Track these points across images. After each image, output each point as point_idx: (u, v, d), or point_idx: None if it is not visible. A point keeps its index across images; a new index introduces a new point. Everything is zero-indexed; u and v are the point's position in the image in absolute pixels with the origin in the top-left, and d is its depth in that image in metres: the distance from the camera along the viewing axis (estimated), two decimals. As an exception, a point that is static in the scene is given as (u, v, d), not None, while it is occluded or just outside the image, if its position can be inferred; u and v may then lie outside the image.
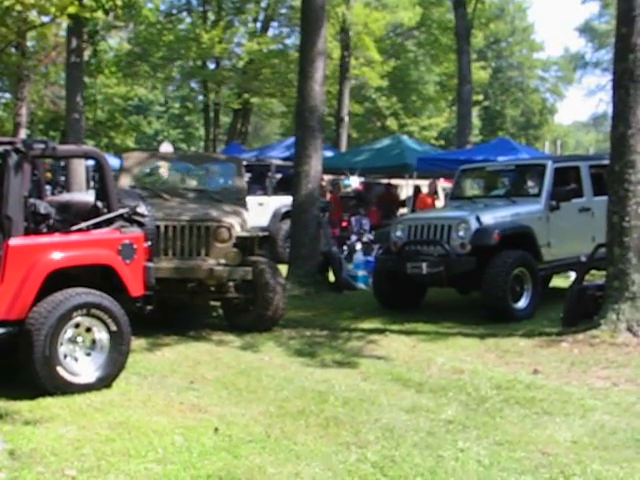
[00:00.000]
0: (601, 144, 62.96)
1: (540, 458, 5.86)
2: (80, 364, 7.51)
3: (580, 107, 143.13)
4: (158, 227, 9.79)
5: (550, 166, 12.89)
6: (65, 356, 7.38)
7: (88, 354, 7.57)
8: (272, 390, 7.82)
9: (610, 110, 10.84)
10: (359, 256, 15.77)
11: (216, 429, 6.47)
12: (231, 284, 10.52)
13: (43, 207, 8.12)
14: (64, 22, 17.24)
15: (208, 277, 10.28)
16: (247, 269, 10.37)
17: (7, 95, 29.37)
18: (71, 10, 5.29)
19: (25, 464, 5.59)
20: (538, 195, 12.68)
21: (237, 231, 10.54)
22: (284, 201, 17.12)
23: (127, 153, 12.12)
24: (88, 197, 9.11)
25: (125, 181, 11.45)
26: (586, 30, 64.69)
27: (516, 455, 5.92)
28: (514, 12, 56.35)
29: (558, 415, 6.97)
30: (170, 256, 10.20)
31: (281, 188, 18.47)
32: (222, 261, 10.31)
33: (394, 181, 22.64)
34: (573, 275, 12.67)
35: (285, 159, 21.20)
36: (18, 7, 4.85)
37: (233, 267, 10.27)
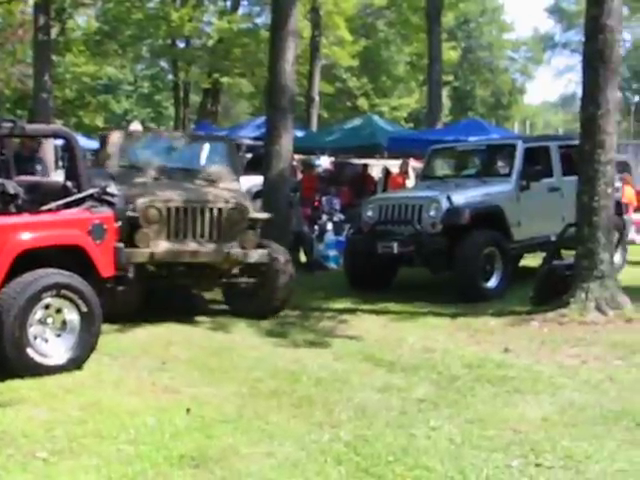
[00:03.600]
0: (570, 124, 63.28)
1: (511, 436, 5.90)
2: (50, 345, 7.45)
3: (549, 87, 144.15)
4: (169, 209, 9.60)
5: (520, 146, 12.96)
6: (35, 337, 7.31)
7: (58, 335, 7.50)
8: (244, 370, 7.81)
9: (579, 91, 10.91)
10: (330, 236, 15.78)
11: (188, 410, 6.45)
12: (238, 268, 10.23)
13: (11, 187, 8.04)
14: (31, -1, 17.06)
15: (224, 261, 9.95)
16: (263, 252, 10.08)
17: (-27, 74, 29.06)
18: (39, -15, 5.22)
19: (-4, 446, 5.58)
20: (508, 175, 12.76)
21: (251, 213, 10.23)
22: (255, 181, 17.00)
23: (112, 132, 11.59)
24: (57, 177, 9.07)
25: (113, 162, 10.86)
26: (555, 11, 65.05)
27: (487, 433, 5.95)
28: (484, -8, 56.45)
29: (528, 393, 7.01)
30: (182, 239, 9.75)
31: (251, 168, 18.35)
32: (235, 244, 9.98)
33: (364, 161, 22.64)
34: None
35: (255, 139, 21.18)
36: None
37: (249, 250, 9.99)
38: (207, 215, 9.84)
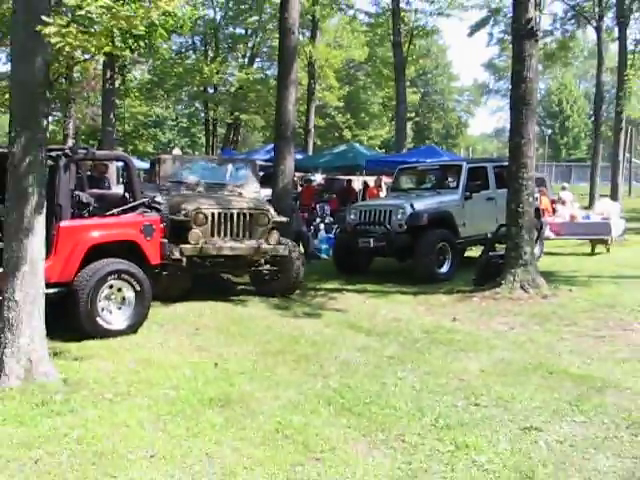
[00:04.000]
0: (501, 150, 63.19)
1: (457, 383, 5.93)
2: (113, 315, 7.53)
3: (486, 123, 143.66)
4: (212, 214, 9.50)
5: (465, 166, 12.96)
6: (102, 309, 7.39)
7: (119, 308, 7.58)
8: (257, 335, 7.83)
9: (508, 125, 10.90)
10: (322, 234, 15.76)
11: (216, 364, 6.48)
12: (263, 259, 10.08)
13: (85, 197, 8.12)
14: (101, 58, 17.06)
15: (255, 254, 9.80)
16: (284, 246, 10.00)
17: (58, 114, 29.12)
18: (106, 49, 5.24)
19: (75, 389, 5.62)
20: (456, 188, 12.74)
21: (274, 216, 10.08)
22: (265, 192, 16.94)
23: (162, 157, 11.35)
24: (119, 190, 9.07)
25: (165, 179, 10.78)
26: (490, 66, 64.85)
27: (440, 381, 5.99)
28: (437, 52, 56.31)
29: (470, 351, 7.04)
30: (223, 237, 9.62)
31: (263, 183, 18.27)
32: (262, 241, 9.83)
33: (349, 177, 22.60)
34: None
35: (266, 160, 21.06)
36: (67, 49, 4.81)
37: (274, 245, 9.89)
38: (241, 218, 9.74)
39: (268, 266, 10.17)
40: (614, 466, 4.27)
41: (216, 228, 9.58)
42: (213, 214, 9.56)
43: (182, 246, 9.15)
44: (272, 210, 10.20)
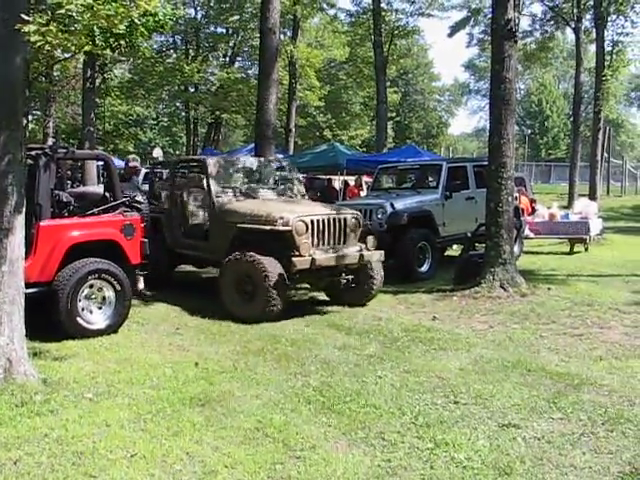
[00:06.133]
0: (481, 150, 63.62)
1: (437, 381, 5.97)
2: (94, 315, 7.51)
3: (466, 122, 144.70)
4: (312, 222, 8.64)
5: (445, 166, 13.03)
6: (82, 309, 7.38)
7: (100, 307, 7.57)
8: (238, 334, 7.83)
9: (488, 125, 10.98)
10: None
11: (196, 363, 6.48)
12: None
13: (65, 197, 8.10)
14: (81, 57, 16.95)
15: (359, 262, 8.95)
16: (381, 252, 9.26)
17: (38, 112, 28.98)
18: (87, 48, 5.23)
19: (55, 389, 5.60)
20: (436, 187, 12.81)
21: (362, 221, 9.41)
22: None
23: (207, 159, 10.18)
24: (99, 189, 9.00)
25: (216, 187, 9.71)
26: (470, 66, 65.34)
27: (419, 379, 6.02)
28: (418, 51, 56.43)
29: (450, 350, 7.09)
30: (323, 246, 8.77)
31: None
32: (357, 247, 9.05)
33: (329, 176, 22.62)
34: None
35: (247, 160, 21.00)
36: (47, 47, 4.80)
37: (373, 251, 9.15)
38: (337, 224, 8.98)
39: (346, 274, 9.16)
40: (590, 461, 4.33)
41: (316, 237, 8.73)
42: (312, 222, 8.72)
43: (295, 259, 8.29)
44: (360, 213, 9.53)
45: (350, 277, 9.17)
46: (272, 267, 8.25)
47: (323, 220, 8.85)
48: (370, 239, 9.24)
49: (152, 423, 4.91)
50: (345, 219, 9.08)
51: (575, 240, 15.33)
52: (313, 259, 8.40)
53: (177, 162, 11.72)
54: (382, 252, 9.34)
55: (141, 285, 9.03)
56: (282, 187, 10.59)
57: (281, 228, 8.49)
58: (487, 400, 5.45)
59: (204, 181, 9.96)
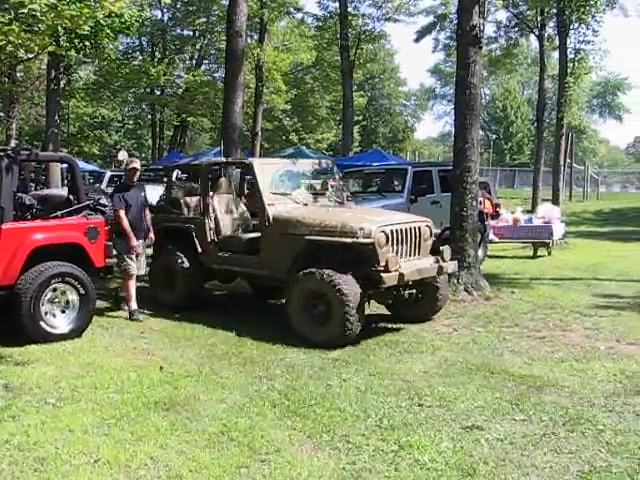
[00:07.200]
0: (447, 154, 64.06)
1: (401, 384, 6.02)
2: (57, 319, 7.43)
3: (432, 127, 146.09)
4: (391, 232, 7.79)
5: (410, 170, 13.08)
6: (46, 313, 7.29)
7: (63, 311, 7.49)
8: (203, 338, 7.81)
9: (453, 130, 11.07)
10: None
11: (161, 367, 6.45)
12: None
13: (28, 199, 8.02)
14: (45, 58, 16.74)
15: (438, 274, 8.25)
16: (456, 263, 8.66)
17: (1, 114, 28.53)
18: (50, 49, 5.18)
19: (16, 395, 5.56)
20: (402, 192, 12.84)
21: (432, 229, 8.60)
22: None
23: (255, 162, 9.02)
24: (62, 192, 8.89)
25: (268, 193, 8.62)
26: (436, 71, 65.87)
27: (384, 382, 6.07)
28: (385, 56, 56.81)
29: (414, 353, 7.15)
30: (401, 259, 7.84)
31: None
32: (433, 259, 8.30)
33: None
34: None
35: (214, 163, 20.92)
36: (9, 47, 4.74)
37: (449, 262, 8.41)
38: (414, 233, 8.18)
39: (410, 287, 8.18)
40: (551, 461, 4.41)
41: (395, 248, 7.88)
42: (392, 232, 7.87)
43: (384, 275, 7.38)
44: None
45: (414, 290, 8.24)
46: (350, 285, 7.33)
47: (402, 230, 8.04)
48: (446, 249, 8.47)
49: (116, 428, 4.88)
50: (420, 228, 8.32)
51: (538, 244, 15.55)
52: (401, 274, 7.52)
53: (209, 165, 10.35)
54: (456, 263, 8.75)
55: (134, 305, 8.74)
56: (335, 192, 9.54)
57: (362, 240, 7.59)
58: (451, 402, 5.51)
59: (248, 186, 9.05)
